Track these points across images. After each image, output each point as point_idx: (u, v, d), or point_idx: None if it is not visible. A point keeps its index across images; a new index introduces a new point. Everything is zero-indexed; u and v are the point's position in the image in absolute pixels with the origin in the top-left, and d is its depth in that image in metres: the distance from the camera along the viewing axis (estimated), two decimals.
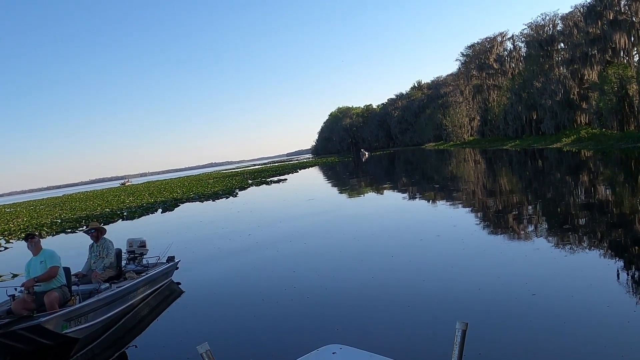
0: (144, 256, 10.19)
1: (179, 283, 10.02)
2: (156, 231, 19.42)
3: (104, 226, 9.46)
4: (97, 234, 8.90)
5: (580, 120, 47.65)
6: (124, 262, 9.59)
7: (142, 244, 10.20)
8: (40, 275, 7.00)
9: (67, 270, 7.56)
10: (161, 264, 9.83)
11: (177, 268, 10.34)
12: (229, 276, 10.18)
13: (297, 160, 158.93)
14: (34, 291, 6.98)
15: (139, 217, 27.09)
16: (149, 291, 8.99)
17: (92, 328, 7.07)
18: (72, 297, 7.16)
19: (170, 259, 10.10)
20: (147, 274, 8.95)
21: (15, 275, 12.41)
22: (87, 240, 9.21)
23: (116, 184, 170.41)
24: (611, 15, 40.24)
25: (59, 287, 7.10)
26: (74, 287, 7.59)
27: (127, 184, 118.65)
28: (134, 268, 9.46)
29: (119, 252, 9.10)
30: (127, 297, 8.13)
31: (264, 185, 42.42)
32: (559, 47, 51.83)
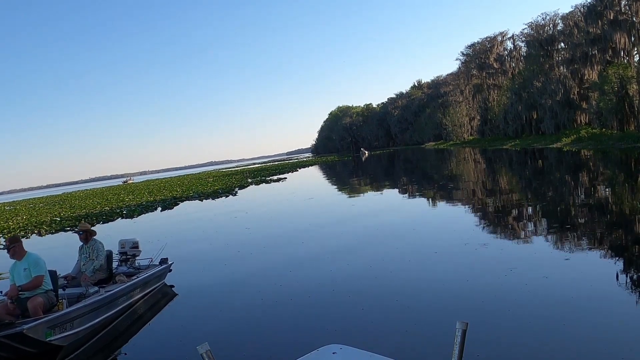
0: (137, 258, 9.82)
1: (172, 286, 9.73)
2: (153, 230, 19.43)
3: (93, 228, 9.15)
4: (85, 236, 8.62)
5: (580, 120, 47.67)
6: (115, 264, 9.30)
7: (135, 245, 9.82)
8: (24, 284, 6.71)
9: (53, 273, 7.23)
10: (154, 266, 9.51)
11: (170, 270, 10.00)
12: (225, 277, 10.01)
13: (297, 159, 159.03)
14: (17, 300, 6.66)
15: (138, 215, 27.11)
16: (140, 295, 8.67)
17: (78, 335, 6.80)
18: (59, 302, 6.90)
19: (164, 260, 9.79)
20: (138, 276, 8.63)
21: None
22: None
23: (116, 182, 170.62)
24: (611, 15, 40.23)
25: (44, 292, 6.80)
26: (60, 291, 7.32)
27: (129, 182, 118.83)
28: (126, 270, 9.18)
29: (109, 254, 8.81)
30: (117, 302, 7.84)
31: (264, 184, 42.42)
32: (559, 47, 51.84)
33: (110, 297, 7.56)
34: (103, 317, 7.40)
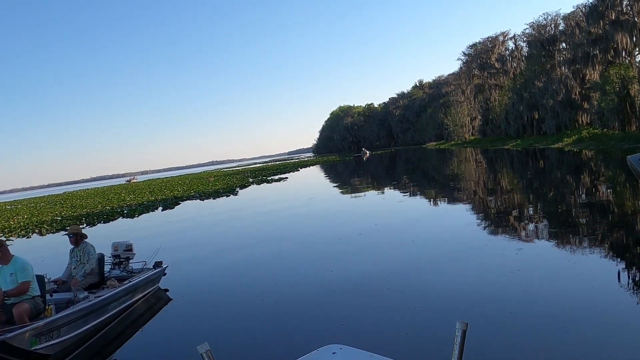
0: (131, 261, 9.54)
1: (166, 290, 9.50)
2: (152, 231, 19.43)
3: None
4: (76, 239, 8.45)
5: (582, 120, 47.59)
6: (108, 267, 9.11)
7: (129, 248, 9.54)
8: (10, 290, 6.47)
9: (40, 278, 6.95)
10: (147, 270, 9.22)
11: (164, 274, 9.79)
12: (223, 279, 9.92)
13: (298, 158, 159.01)
14: (2, 306, 6.45)
15: (139, 215, 27.12)
16: (132, 300, 8.44)
17: (65, 343, 6.56)
18: (47, 308, 6.64)
19: (158, 264, 9.53)
20: (130, 281, 8.40)
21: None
22: None
23: (117, 181, 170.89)
24: (613, 15, 40.14)
25: (30, 297, 6.53)
26: (48, 297, 7.08)
27: (132, 181, 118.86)
28: (118, 274, 8.97)
29: (101, 257, 8.59)
30: (107, 308, 7.58)
31: (265, 183, 42.43)
32: (561, 47, 51.72)
33: (100, 302, 7.32)
34: (92, 323, 7.17)
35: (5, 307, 6.42)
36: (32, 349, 5.98)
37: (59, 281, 8.08)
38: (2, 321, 6.29)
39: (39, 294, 6.74)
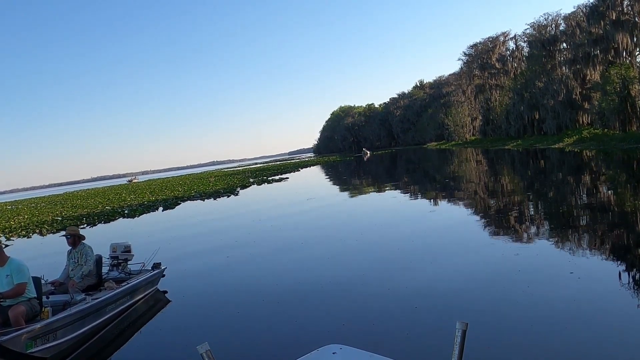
0: (129, 262, 9.44)
1: (165, 292, 9.38)
2: (152, 230, 19.43)
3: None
4: (73, 240, 8.37)
5: (582, 121, 47.58)
6: (106, 269, 9.06)
7: (127, 249, 9.42)
8: (6, 292, 6.36)
9: (37, 280, 6.84)
10: (146, 272, 9.13)
11: (163, 275, 9.70)
12: (223, 279, 9.89)
13: (298, 159, 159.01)
14: None
15: (139, 215, 27.12)
16: (130, 302, 8.33)
17: (62, 346, 6.46)
18: (43, 311, 6.56)
19: (156, 265, 9.43)
20: (128, 283, 8.31)
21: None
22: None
23: (118, 182, 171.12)
24: (614, 15, 40.12)
25: (27, 300, 6.43)
26: (45, 299, 6.98)
27: (133, 181, 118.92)
28: (116, 276, 8.89)
29: (99, 259, 8.52)
30: (105, 310, 7.50)
31: (266, 183, 42.43)
32: (562, 47, 51.74)
33: (97, 305, 7.25)
34: (89, 326, 7.09)
35: (1, 309, 6.33)
36: (28, 351, 5.90)
37: (56, 283, 8.01)
38: None
39: (35, 295, 6.65)
